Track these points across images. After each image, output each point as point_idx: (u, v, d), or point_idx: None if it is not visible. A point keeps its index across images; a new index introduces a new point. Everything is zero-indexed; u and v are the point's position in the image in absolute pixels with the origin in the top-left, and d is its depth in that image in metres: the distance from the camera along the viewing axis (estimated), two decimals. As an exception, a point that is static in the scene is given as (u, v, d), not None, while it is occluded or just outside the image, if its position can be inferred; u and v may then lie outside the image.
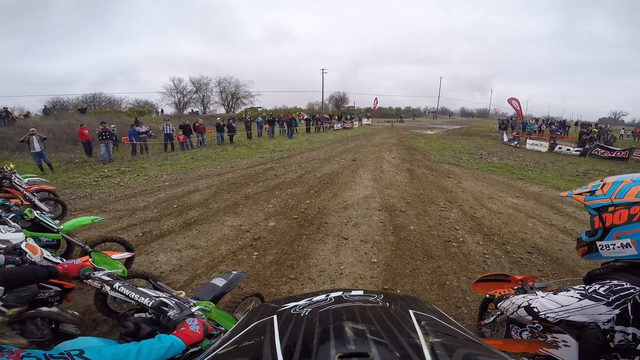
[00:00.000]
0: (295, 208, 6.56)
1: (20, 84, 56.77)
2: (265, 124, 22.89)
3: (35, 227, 3.33)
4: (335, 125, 29.69)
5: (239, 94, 47.12)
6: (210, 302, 1.87)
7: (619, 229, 1.35)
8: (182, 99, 43.86)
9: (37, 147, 9.94)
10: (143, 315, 1.63)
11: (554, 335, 1.63)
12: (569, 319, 1.35)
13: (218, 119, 19.79)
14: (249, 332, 0.81)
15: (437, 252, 4.71)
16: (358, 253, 4.60)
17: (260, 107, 45.30)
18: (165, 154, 14.62)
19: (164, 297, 1.65)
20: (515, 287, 2.18)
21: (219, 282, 2.29)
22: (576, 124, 32.73)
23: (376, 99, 44.29)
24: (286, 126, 22.66)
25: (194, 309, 1.63)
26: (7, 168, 4.61)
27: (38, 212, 3.43)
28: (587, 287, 1.35)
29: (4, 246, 1.00)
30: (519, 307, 1.56)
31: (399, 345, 0.58)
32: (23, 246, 2.23)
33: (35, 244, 2.37)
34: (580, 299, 1.31)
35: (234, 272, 2.47)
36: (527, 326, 1.83)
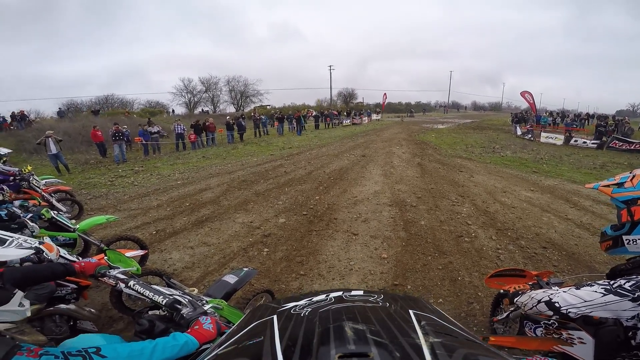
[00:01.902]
0: (305, 204, 6.58)
1: (36, 88, 58.51)
2: (275, 122, 22.97)
3: (52, 226, 3.43)
4: (344, 122, 29.58)
5: (248, 92, 47.44)
6: (222, 300, 1.89)
7: None
8: (192, 98, 44.43)
9: (53, 149, 10.23)
10: (157, 312, 1.67)
11: (570, 332, 1.60)
12: (591, 314, 1.31)
13: (228, 117, 19.99)
14: (249, 332, 0.82)
15: (448, 247, 4.65)
16: (368, 249, 4.59)
17: (269, 105, 45.45)
18: (177, 153, 14.87)
19: (178, 295, 1.68)
20: (531, 283, 2.13)
21: (231, 279, 2.32)
22: (592, 116, 31.51)
23: (385, 94, 43.85)
24: (295, 123, 22.69)
25: (206, 307, 1.65)
26: (25, 170, 4.76)
27: (55, 212, 3.53)
28: (611, 282, 1.30)
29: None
30: (539, 301, 1.53)
31: (399, 345, 0.58)
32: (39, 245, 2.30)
33: (52, 243, 2.44)
34: (605, 294, 1.26)
35: (245, 269, 2.50)
36: (541, 322, 1.80)
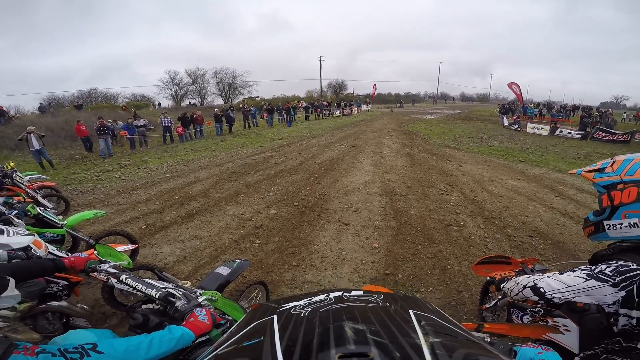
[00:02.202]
0: (296, 195, 6.59)
1: (15, 83, 56.28)
2: (264, 113, 22.70)
3: (39, 223, 3.35)
4: (334, 112, 29.45)
5: (236, 84, 46.63)
6: (217, 292, 1.89)
7: (628, 208, 1.33)
8: (179, 91, 43.36)
9: (36, 144, 9.92)
10: (150, 306, 1.65)
11: (555, 319, 1.62)
12: (574, 299, 1.33)
13: (216, 109, 19.65)
14: (249, 332, 0.82)
15: (438, 236, 4.74)
16: (359, 238, 4.64)
17: (258, 97, 44.84)
18: (165, 146, 14.59)
19: (171, 288, 1.66)
20: (516, 270, 2.17)
21: (223, 270, 2.31)
22: (577, 108, 32.21)
23: (375, 85, 43.83)
24: (285, 114, 22.50)
25: (200, 299, 1.65)
26: (7, 167, 4.62)
27: (41, 208, 3.45)
28: (593, 267, 1.32)
29: (3, 251, 1.00)
30: (524, 287, 1.54)
31: (399, 345, 0.58)
32: None
33: (39, 239, 2.38)
34: (587, 279, 1.28)
35: (238, 261, 2.49)
36: (528, 310, 1.83)
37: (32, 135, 9.86)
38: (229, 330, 0.98)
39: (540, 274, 1.87)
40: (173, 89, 42.88)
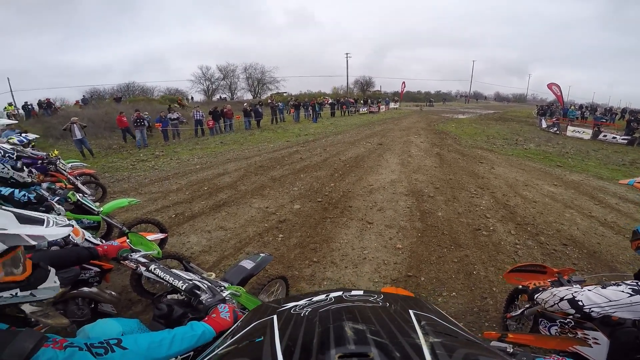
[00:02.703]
0: (320, 191, 6.59)
1: (60, 76, 60.54)
2: (291, 109, 22.91)
3: (77, 209, 3.57)
4: (361, 109, 29.12)
5: (265, 79, 47.51)
6: (240, 287, 1.91)
7: None
8: (210, 86, 44.95)
9: (78, 134, 10.62)
10: (175, 296, 1.69)
11: (585, 332, 1.58)
12: (614, 314, 1.29)
13: (245, 104, 20.06)
14: (249, 332, 0.82)
15: (465, 240, 4.56)
16: (382, 238, 4.56)
17: (285, 92, 45.40)
18: (196, 138, 15.14)
19: (197, 280, 1.69)
20: (551, 280, 2.08)
21: (248, 264, 2.34)
22: (624, 111, 29.71)
23: (404, 82, 42.70)
24: (311, 110, 22.56)
25: (225, 294, 1.66)
26: (52, 154, 4.96)
27: (80, 195, 3.67)
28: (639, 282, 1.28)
29: (35, 243, 1.05)
30: (561, 299, 1.51)
31: (399, 345, 0.58)
32: None
33: (78, 227, 2.51)
34: (632, 295, 1.24)
35: (262, 255, 2.51)
36: (557, 321, 1.78)
37: (75, 125, 10.56)
38: (229, 330, 0.98)
39: (578, 285, 1.80)
40: (205, 84, 44.46)
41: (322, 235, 4.65)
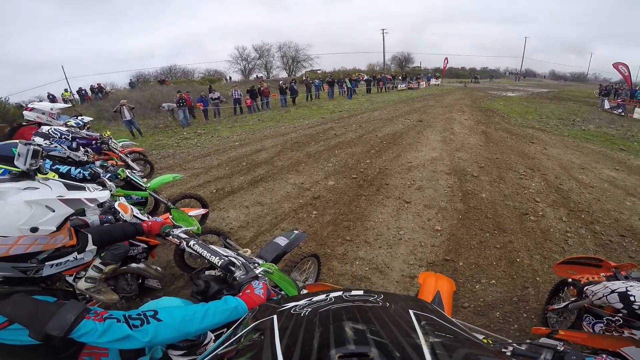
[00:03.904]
0: (355, 168, 6.48)
1: (109, 62, 64.46)
2: (325, 86, 22.49)
3: (127, 185, 3.82)
4: (399, 86, 27.76)
5: (299, 57, 47.03)
6: (273, 264, 1.93)
7: None
8: (247, 65, 45.42)
9: (127, 115, 11.38)
10: (213, 272, 1.74)
11: (634, 331, 1.48)
12: None
13: (281, 82, 20.02)
14: (249, 331, 0.82)
15: (510, 225, 4.25)
16: (420, 219, 4.39)
17: (320, 70, 44.66)
18: (235, 117, 15.56)
19: (232, 257, 1.72)
20: (607, 275, 1.90)
21: (282, 241, 2.34)
22: None
23: (446, 58, 39.69)
24: (345, 87, 21.97)
25: (257, 271, 1.67)
26: (105, 135, 5.34)
27: (129, 171, 3.92)
28: None
29: (93, 205, 1.15)
30: (612, 291, 1.43)
31: (399, 345, 0.58)
32: (116, 205, 2.51)
33: (126, 203, 2.65)
34: None
35: (296, 232, 2.49)
36: (604, 318, 1.66)
37: (124, 107, 11.31)
38: (230, 330, 0.99)
39: (636, 282, 1.66)
40: (242, 64, 44.99)
41: (356, 213, 4.59)
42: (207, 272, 1.76)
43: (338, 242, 3.89)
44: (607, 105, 18.07)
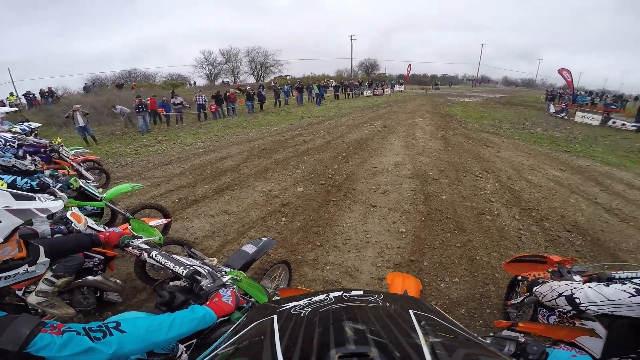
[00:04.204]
0: (323, 174, 6.54)
1: (62, 65, 60.05)
2: (294, 92, 22.57)
3: (81, 196, 3.55)
4: (365, 92, 28.61)
5: (268, 63, 46.85)
6: (241, 272, 1.89)
7: None
8: (212, 70, 44.42)
9: (81, 121, 10.56)
10: (178, 283, 1.67)
11: (584, 322, 1.59)
12: (614, 313, 1.28)
13: (248, 87, 19.79)
14: (249, 331, 0.82)
15: (469, 224, 4.51)
16: (386, 222, 4.53)
17: (288, 76, 44.70)
18: (199, 123, 15.06)
19: (198, 266, 1.66)
20: (551, 270, 2.07)
21: (250, 248, 2.30)
22: (636, 98, 29.04)
23: (409, 65, 41.61)
24: (314, 93, 22.24)
25: (225, 279, 1.63)
26: (55, 142, 4.94)
27: (83, 181, 3.65)
28: None
29: (44, 215, 1.05)
30: (559, 295, 1.51)
31: (399, 345, 0.58)
32: (68, 215, 2.34)
33: (79, 213, 2.48)
34: (634, 295, 1.23)
35: (264, 239, 2.47)
36: (556, 310, 1.78)
37: (77, 112, 10.50)
38: (229, 330, 0.97)
39: (578, 276, 1.83)
40: (207, 68, 43.94)
41: (325, 218, 4.63)
42: (171, 283, 1.69)
43: (308, 248, 3.89)
44: (552, 109, 19.93)
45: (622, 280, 1.35)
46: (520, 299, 2.28)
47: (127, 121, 14.05)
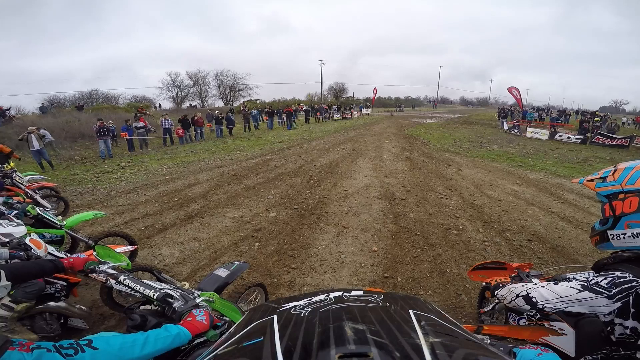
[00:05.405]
0: (296, 198, 6.59)
1: (16, 83, 56.51)
2: (264, 116, 22.78)
3: (38, 223, 3.35)
4: (334, 116, 29.57)
5: (237, 86, 46.89)
6: (214, 293, 1.88)
7: (630, 218, 1.30)
8: (179, 93, 43.60)
9: (36, 145, 9.90)
10: (149, 307, 1.64)
11: (551, 323, 1.61)
12: (567, 309, 1.33)
13: (216, 112, 19.72)
14: (249, 332, 0.81)
15: (437, 240, 4.74)
16: (359, 242, 4.64)
17: (258, 100, 45.05)
18: (165, 148, 14.60)
19: (169, 289, 1.65)
20: (512, 275, 2.16)
21: (222, 272, 2.29)
22: (577, 112, 32.75)
23: (375, 88, 44.05)
24: (285, 118, 22.58)
25: (198, 300, 1.63)
26: (7, 167, 4.62)
27: (41, 208, 3.44)
28: (589, 278, 1.32)
29: (7, 240, 1.01)
30: (517, 295, 1.55)
31: (399, 345, 0.58)
32: (27, 241, 2.23)
33: (39, 239, 2.37)
34: (581, 291, 1.28)
35: (237, 263, 2.47)
36: (524, 314, 1.82)
37: (32, 135, 9.85)
38: (229, 331, 0.98)
39: (536, 280, 1.89)
40: (174, 91, 43.14)
41: (299, 241, 4.65)
42: (142, 307, 1.64)
43: (284, 271, 3.88)
44: (505, 126, 21.78)
45: (569, 279, 1.44)
46: (491, 306, 2.39)
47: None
